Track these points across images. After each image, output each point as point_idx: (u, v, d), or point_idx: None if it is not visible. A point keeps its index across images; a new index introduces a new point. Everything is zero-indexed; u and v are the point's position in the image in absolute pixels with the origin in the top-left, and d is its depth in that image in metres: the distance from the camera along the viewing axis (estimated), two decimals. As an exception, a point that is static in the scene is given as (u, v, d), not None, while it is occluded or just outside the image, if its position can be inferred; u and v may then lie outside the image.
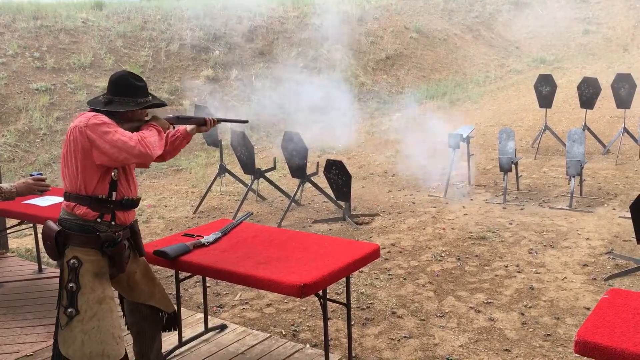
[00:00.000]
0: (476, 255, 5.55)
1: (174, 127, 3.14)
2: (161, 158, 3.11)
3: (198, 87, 12.12)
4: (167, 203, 7.75)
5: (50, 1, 13.46)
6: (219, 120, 3.24)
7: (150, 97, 2.87)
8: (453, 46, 16.84)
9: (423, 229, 6.35)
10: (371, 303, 4.67)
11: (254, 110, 11.99)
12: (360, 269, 5.15)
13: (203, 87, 12.19)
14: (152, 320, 3.10)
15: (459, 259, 5.50)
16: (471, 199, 7.34)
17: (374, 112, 13.46)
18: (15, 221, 4.83)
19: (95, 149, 2.60)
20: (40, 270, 5.07)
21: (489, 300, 4.64)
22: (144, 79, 2.94)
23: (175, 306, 3.60)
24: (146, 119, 2.92)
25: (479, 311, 4.47)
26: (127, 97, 2.76)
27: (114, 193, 2.73)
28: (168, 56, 12.61)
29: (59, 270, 2.81)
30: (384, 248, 5.79)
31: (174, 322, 3.20)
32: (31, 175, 3.07)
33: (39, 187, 3.01)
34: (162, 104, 2.92)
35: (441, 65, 16.10)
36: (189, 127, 3.12)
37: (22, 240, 6.33)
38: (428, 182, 8.10)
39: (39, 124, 9.66)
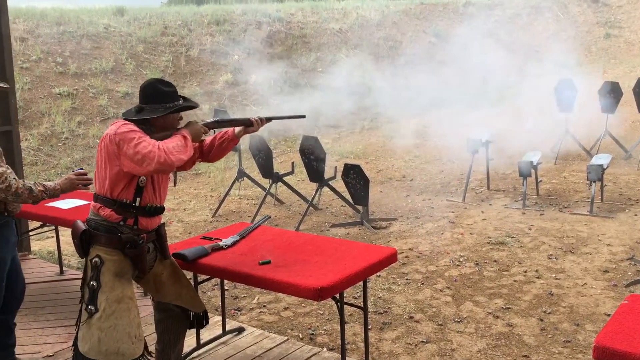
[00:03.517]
0: (495, 261, 5.51)
1: (214, 132, 3.13)
2: (209, 160, 3.17)
3: (217, 92, 12.23)
4: (186, 207, 7.82)
5: (73, 7, 13.70)
6: (269, 119, 3.18)
7: (181, 101, 2.87)
8: (472, 50, 16.76)
9: (441, 233, 6.33)
10: (388, 307, 4.67)
11: (274, 115, 12.03)
12: (378, 273, 5.14)
13: (222, 91, 12.29)
14: (179, 319, 3.14)
15: (477, 264, 5.46)
16: (490, 204, 7.29)
17: (392, 116, 13.44)
18: (37, 223, 4.91)
19: (122, 156, 2.65)
20: (61, 272, 5.15)
21: (508, 306, 4.60)
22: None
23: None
24: (180, 126, 2.93)
25: (498, 317, 4.44)
26: (156, 103, 2.79)
27: (138, 199, 2.78)
28: (188, 61, 12.74)
29: (80, 272, 2.87)
30: (402, 252, 5.78)
31: (205, 319, 3.23)
32: (73, 171, 3.15)
33: (82, 181, 3.08)
34: (191, 107, 2.91)
35: (460, 69, 16.03)
36: (236, 129, 3.10)
37: (44, 242, 6.43)
38: (446, 187, 8.07)
39: (61, 128, 9.82)
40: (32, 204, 3.09)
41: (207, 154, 3.15)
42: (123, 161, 2.66)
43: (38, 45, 11.31)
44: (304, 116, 3.47)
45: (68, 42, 11.76)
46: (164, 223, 3.05)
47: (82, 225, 2.78)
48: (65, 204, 4.43)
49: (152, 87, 2.82)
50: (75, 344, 2.79)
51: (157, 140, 2.69)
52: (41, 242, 6.44)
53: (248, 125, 3.11)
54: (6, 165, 3.05)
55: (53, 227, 5.14)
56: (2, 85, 3.52)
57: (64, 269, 5.20)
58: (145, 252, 2.85)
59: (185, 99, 2.92)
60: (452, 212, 7.05)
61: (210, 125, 3.07)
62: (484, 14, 18.41)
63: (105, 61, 11.55)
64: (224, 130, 3.13)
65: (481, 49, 14.76)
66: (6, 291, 3.23)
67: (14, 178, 2.99)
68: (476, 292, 4.87)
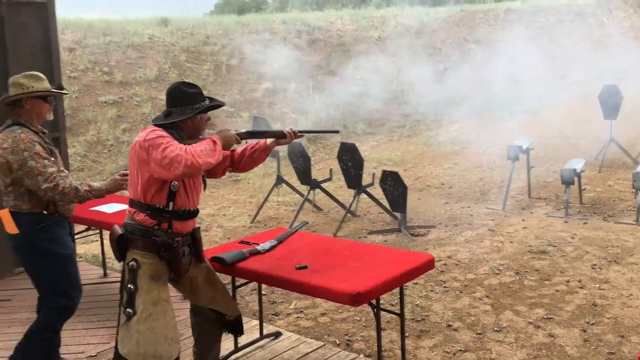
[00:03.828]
0: (536, 270, 5.41)
1: (246, 142, 3.15)
2: (240, 169, 3.20)
3: (257, 100, 12.38)
4: (226, 212, 7.93)
5: (119, 18, 14.11)
6: (302, 133, 3.18)
7: (207, 101, 2.88)
8: (513, 57, 16.52)
9: (480, 241, 6.24)
10: (426, 315, 4.63)
11: (312, 122, 12.11)
12: (415, 281, 5.11)
13: (262, 99, 12.43)
14: (214, 323, 3.18)
15: (517, 272, 5.37)
16: (531, 212, 7.16)
17: (431, 123, 13.36)
18: (82, 227, 5.06)
19: (152, 162, 2.68)
20: (105, 275, 5.28)
21: (549, 316, 4.51)
22: (200, 86, 2.98)
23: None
24: (211, 131, 2.99)
25: (539, 327, 4.35)
26: (182, 106, 2.80)
27: (171, 203, 2.81)
28: (229, 70, 12.94)
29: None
30: (440, 260, 5.73)
31: (239, 325, 3.25)
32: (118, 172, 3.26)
33: (127, 182, 3.12)
34: (218, 105, 2.92)
35: (501, 76, 15.82)
36: (268, 141, 3.12)
37: (89, 245, 6.62)
38: (486, 195, 7.96)
39: (107, 135, 10.10)
40: (79, 203, 3.20)
41: (238, 163, 3.17)
42: (153, 167, 2.68)
43: (85, 55, 11.68)
44: (337, 131, 3.48)
45: (114, 52, 12.11)
46: (199, 227, 3.09)
47: (118, 230, 2.84)
48: (109, 208, 4.56)
49: (177, 89, 2.84)
50: (116, 345, 2.86)
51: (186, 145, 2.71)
52: (86, 245, 6.63)
53: (280, 137, 3.12)
54: (59, 167, 3.17)
55: (98, 231, 5.29)
56: (63, 91, 3.64)
57: (108, 271, 5.34)
58: (180, 255, 2.88)
59: (211, 99, 2.92)
60: (492, 220, 6.95)
61: (243, 136, 3.07)
62: (526, 21, 18.13)
63: (149, 70, 11.83)
64: (256, 140, 3.16)
65: (522, 55, 14.53)
66: None
67: (62, 177, 3.10)
68: (516, 302, 4.79)
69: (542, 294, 4.91)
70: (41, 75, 3.33)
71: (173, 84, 2.89)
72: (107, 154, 9.85)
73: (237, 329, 3.27)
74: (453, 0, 23.71)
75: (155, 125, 2.82)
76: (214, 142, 2.77)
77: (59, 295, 3.31)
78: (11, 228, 3.22)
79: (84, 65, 11.38)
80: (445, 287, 5.16)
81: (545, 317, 4.50)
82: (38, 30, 5.38)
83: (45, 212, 3.22)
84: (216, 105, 2.91)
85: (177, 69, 12.30)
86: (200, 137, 2.89)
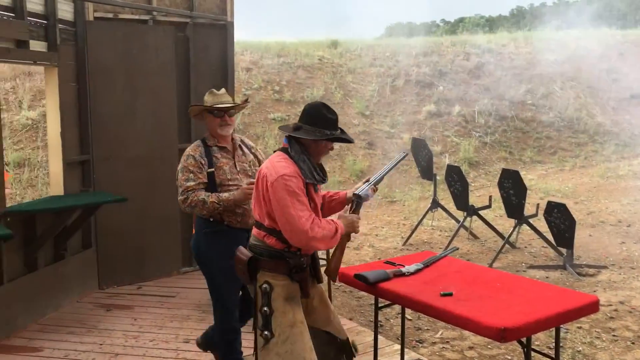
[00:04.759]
0: None
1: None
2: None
3: (419, 122, 12.24)
4: (379, 232, 7.88)
5: (293, 40, 14.88)
6: (377, 183, 3.08)
7: (339, 132, 2.84)
8: None
9: (662, 289, 5.49)
10: (588, 364, 4.14)
11: (474, 147, 11.68)
12: (579, 325, 4.62)
13: (424, 121, 12.27)
14: (332, 345, 3.10)
15: None
16: None
17: (610, 155, 12.18)
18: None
19: (273, 210, 2.70)
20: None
21: None
22: (336, 112, 2.90)
23: (373, 333, 3.59)
24: (351, 196, 2.96)
25: None
26: (315, 126, 2.76)
27: None
28: (393, 91, 12.98)
29: None
30: (610, 305, 5.12)
31: (349, 349, 3.14)
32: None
33: (252, 191, 3.13)
34: (347, 140, 2.87)
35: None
36: (348, 193, 3.07)
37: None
38: (673, 237, 7.01)
39: (272, 150, 10.62)
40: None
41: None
42: (277, 217, 2.70)
43: (260, 75, 12.46)
44: (406, 154, 3.28)
45: (286, 72, 12.77)
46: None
47: (247, 252, 2.84)
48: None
49: (316, 109, 2.81)
50: None
51: (312, 213, 2.69)
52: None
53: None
54: (195, 180, 3.27)
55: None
56: (246, 101, 3.74)
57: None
58: (308, 275, 2.87)
59: (342, 131, 2.87)
60: (678, 266, 6.09)
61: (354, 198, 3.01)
62: None
63: (316, 90, 12.28)
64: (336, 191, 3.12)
65: None
66: (246, 301, 3.40)
67: (192, 190, 3.24)
68: (703, 363, 4.11)
69: None
70: (216, 90, 3.46)
71: (314, 103, 2.88)
72: (271, 167, 10.35)
73: (349, 353, 3.16)
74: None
75: (285, 135, 2.82)
76: (336, 232, 2.76)
77: (213, 298, 3.45)
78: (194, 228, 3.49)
79: (258, 84, 12.12)
80: (614, 335, 4.58)
81: None
82: (217, 50, 5.83)
83: (210, 220, 3.34)
84: (344, 139, 2.86)
85: (343, 89, 12.62)
86: (318, 161, 2.86)
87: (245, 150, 3.53)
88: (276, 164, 2.73)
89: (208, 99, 3.43)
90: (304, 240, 2.66)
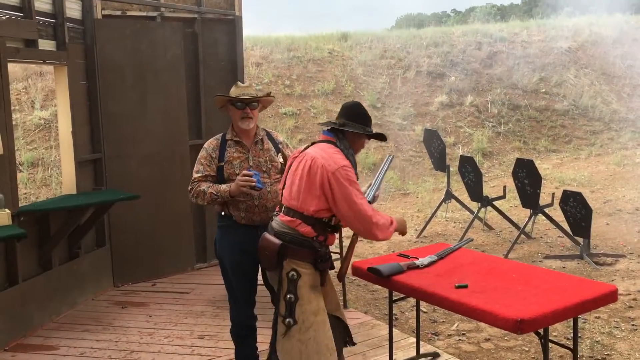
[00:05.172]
0: None
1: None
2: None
3: (431, 113, 12.15)
4: (392, 225, 7.83)
5: (303, 35, 14.82)
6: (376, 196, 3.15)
7: (375, 130, 2.99)
8: None
9: (682, 277, 5.39)
10: (607, 354, 4.08)
11: (487, 137, 11.57)
12: (597, 315, 4.55)
13: (436, 112, 12.17)
14: (338, 331, 3.09)
15: None
16: None
17: (627, 142, 12.02)
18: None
19: (334, 200, 2.74)
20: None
21: None
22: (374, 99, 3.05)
23: (388, 326, 3.57)
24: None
25: None
26: (358, 123, 2.92)
27: (333, 218, 2.85)
28: (404, 82, 12.89)
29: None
30: (629, 294, 5.04)
31: (349, 334, 3.17)
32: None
33: (245, 184, 3.10)
34: (382, 137, 3.02)
35: None
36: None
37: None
38: (692, 224, 6.90)
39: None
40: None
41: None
42: (333, 204, 2.75)
43: (270, 69, 12.42)
44: (392, 156, 3.37)
45: (296, 66, 12.72)
46: None
47: (275, 239, 2.82)
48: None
49: (359, 107, 2.98)
50: (272, 353, 2.86)
51: (368, 202, 2.83)
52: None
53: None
54: (203, 172, 3.26)
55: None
56: (270, 96, 3.67)
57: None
58: (328, 266, 2.92)
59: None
60: (698, 253, 5.98)
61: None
62: None
63: (327, 83, 12.23)
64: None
65: None
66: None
67: (197, 181, 3.26)
68: None
69: None
70: (241, 83, 3.42)
71: (353, 102, 3.05)
72: (284, 162, 10.33)
73: (351, 337, 3.17)
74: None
75: (331, 129, 2.91)
76: (391, 224, 2.89)
77: (227, 293, 3.43)
78: None
79: (268, 79, 12.10)
80: (633, 324, 4.51)
81: None
82: (226, 45, 5.81)
83: (222, 214, 3.32)
84: (381, 136, 3.01)
85: (353, 82, 12.55)
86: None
87: (268, 145, 3.40)
88: (333, 155, 2.82)
89: (233, 91, 3.39)
90: (367, 227, 2.77)
